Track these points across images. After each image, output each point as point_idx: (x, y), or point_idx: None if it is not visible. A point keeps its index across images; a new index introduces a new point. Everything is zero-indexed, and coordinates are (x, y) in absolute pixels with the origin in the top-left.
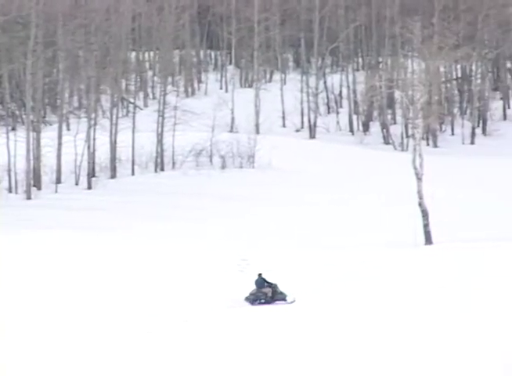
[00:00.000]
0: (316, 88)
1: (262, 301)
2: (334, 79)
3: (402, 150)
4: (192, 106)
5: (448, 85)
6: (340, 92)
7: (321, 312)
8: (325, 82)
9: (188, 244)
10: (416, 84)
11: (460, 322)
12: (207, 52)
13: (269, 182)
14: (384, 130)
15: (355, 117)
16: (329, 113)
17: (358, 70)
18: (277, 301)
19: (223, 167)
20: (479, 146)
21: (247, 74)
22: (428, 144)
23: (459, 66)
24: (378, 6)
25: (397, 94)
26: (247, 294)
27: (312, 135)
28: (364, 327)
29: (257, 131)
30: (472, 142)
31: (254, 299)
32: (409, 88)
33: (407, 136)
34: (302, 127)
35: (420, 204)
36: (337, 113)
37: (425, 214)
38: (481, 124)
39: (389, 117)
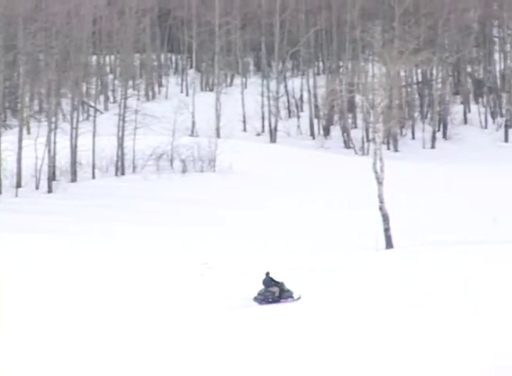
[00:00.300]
0: (277, 92)
1: (270, 300)
2: (295, 83)
3: (363, 154)
4: (153, 110)
5: (409, 89)
6: (301, 96)
7: (277, 317)
8: (286, 86)
9: (149, 247)
10: (377, 88)
11: (418, 324)
12: (167, 56)
13: (230, 186)
14: (345, 134)
15: (315, 121)
16: (289, 117)
17: (318, 74)
18: (284, 299)
19: (184, 171)
20: (440, 150)
21: (208, 78)
22: (389, 148)
23: (419, 71)
24: (339, 10)
25: (357, 98)
26: (255, 295)
27: (273, 139)
28: (328, 332)
29: (218, 135)
30: (433, 147)
31: (263, 299)
32: (369, 93)
33: (368, 140)
34: (263, 131)
35: (381, 208)
36: (298, 117)
37: (386, 218)
38: (441, 129)
39: (350, 121)
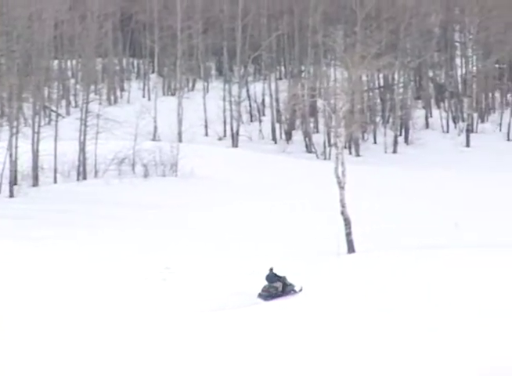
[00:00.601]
0: (239, 97)
1: (274, 296)
2: (257, 87)
3: (325, 158)
4: (115, 115)
5: (371, 94)
6: (263, 100)
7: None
8: (247, 91)
9: (111, 252)
10: (339, 92)
11: (382, 328)
12: (129, 60)
13: (192, 191)
14: (307, 139)
15: (277, 125)
16: (251, 121)
17: (280, 78)
18: (287, 293)
19: (146, 175)
20: (401, 155)
21: (170, 83)
22: (350, 153)
23: (381, 75)
24: (300, 15)
25: (319, 103)
26: (260, 291)
27: (235, 144)
28: (290, 338)
29: (180, 140)
30: (394, 151)
31: (268, 295)
32: (331, 97)
33: (329, 145)
34: (225, 135)
35: (343, 213)
36: (260, 121)
37: (347, 222)
38: (403, 133)
39: (311, 125)
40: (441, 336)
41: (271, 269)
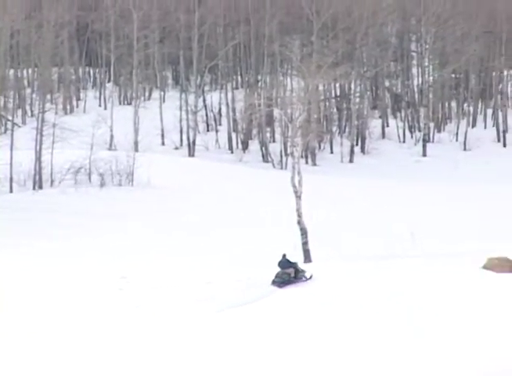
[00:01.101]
0: (195, 106)
1: (286, 282)
2: (213, 97)
3: (281, 168)
4: (71, 124)
5: (327, 104)
6: (220, 110)
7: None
8: (204, 100)
9: (67, 262)
10: (295, 102)
11: (341, 338)
12: (85, 70)
13: (148, 200)
14: (263, 148)
15: (234, 135)
16: (208, 131)
17: (237, 88)
18: (298, 280)
19: (102, 185)
20: (358, 165)
21: (126, 92)
22: (307, 162)
23: (338, 85)
24: (257, 24)
25: (276, 112)
26: (274, 278)
27: (191, 153)
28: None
29: (137, 149)
30: (351, 161)
31: (281, 282)
32: (287, 107)
33: (286, 154)
34: (181, 145)
35: (299, 222)
36: (217, 131)
37: (304, 232)
38: (359, 143)
39: (268, 135)
40: (403, 345)
41: (284, 256)
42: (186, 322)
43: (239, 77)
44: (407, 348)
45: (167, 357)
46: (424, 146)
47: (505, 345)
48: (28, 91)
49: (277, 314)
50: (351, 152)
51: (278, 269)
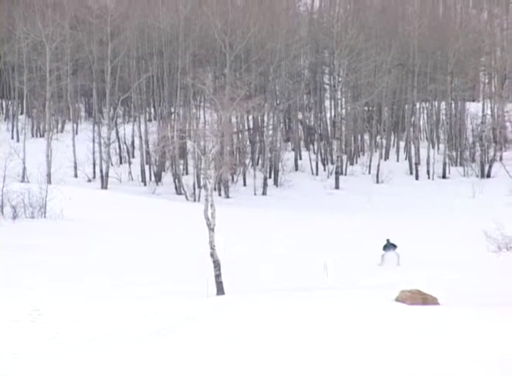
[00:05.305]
0: (108, 139)
1: None
2: (127, 129)
3: (194, 200)
4: None
5: (241, 136)
6: (133, 142)
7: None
8: (117, 132)
9: None
10: (208, 134)
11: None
12: None
13: (61, 232)
14: (176, 180)
15: (147, 167)
16: (121, 163)
17: (150, 120)
18: None
19: (14, 217)
20: (271, 197)
21: (39, 124)
22: (220, 194)
23: (251, 117)
24: (170, 57)
25: (189, 144)
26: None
27: (104, 186)
28: None
29: (49, 182)
30: (264, 193)
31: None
32: (201, 139)
33: (199, 186)
34: (94, 177)
35: (212, 255)
36: (130, 163)
37: (217, 264)
38: (272, 175)
39: (181, 167)
40: None
41: (388, 240)
42: (101, 352)
43: (152, 110)
44: None
45: None
46: (337, 179)
47: None
48: None
49: (184, 345)
50: (265, 184)
51: (189, 303)
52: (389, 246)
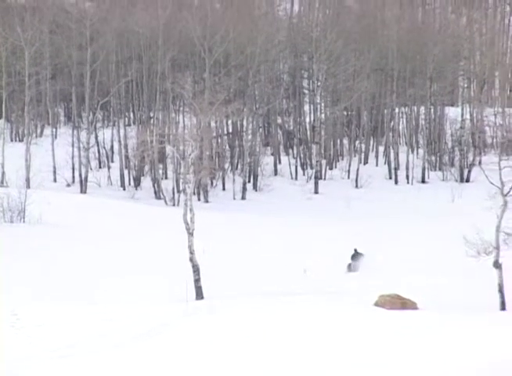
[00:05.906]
0: (87, 143)
1: None
2: (106, 134)
3: (174, 204)
4: None
5: (220, 140)
6: (112, 146)
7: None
8: (96, 137)
9: None
10: (188, 139)
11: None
12: None
13: (40, 237)
14: (156, 185)
15: (126, 171)
16: (100, 167)
17: (129, 124)
18: None
19: None
20: (250, 202)
21: (18, 128)
22: (199, 199)
23: (230, 122)
24: (149, 61)
25: (168, 149)
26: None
27: (83, 190)
28: None
29: (28, 186)
30: (243, 198)
31: None
32: (180, 143)
33: (178, 191)
34: (73, 181)
35: (191, 259)
36: (109, 167)
37: (196, 269)
38: (252, 180)
39: (160, 171)
40: None
41: (355, 249)
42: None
43: (131, 114)
44: None
45: None
46: (316, 183)
47: None
48: None
49: (159, 351)
50: (244, 189)
51: (167, 308)
52: (357, 255)
